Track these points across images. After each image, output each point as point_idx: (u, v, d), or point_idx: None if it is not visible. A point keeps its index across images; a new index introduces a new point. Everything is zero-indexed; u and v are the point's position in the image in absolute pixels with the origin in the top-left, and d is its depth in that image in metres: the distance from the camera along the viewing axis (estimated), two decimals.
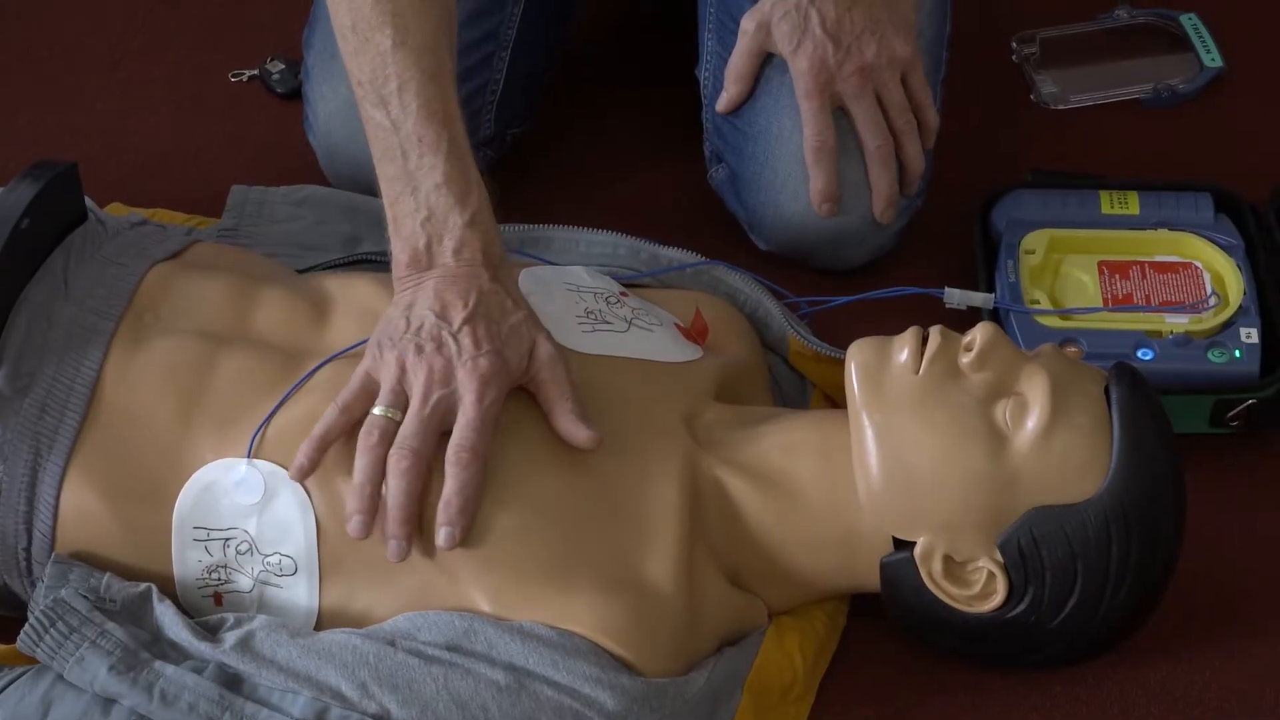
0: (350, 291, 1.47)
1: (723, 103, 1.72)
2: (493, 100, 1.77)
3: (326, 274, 1.55)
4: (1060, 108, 1.95)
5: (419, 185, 1.39)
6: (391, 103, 1.40)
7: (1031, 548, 1.34)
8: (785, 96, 1.69)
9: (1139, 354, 1.59)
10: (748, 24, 1.68)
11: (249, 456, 1.36)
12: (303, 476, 1.34)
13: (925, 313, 1.55)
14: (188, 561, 1.37)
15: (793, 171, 1.69)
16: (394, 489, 1.32)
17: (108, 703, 1.31)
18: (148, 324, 1.43)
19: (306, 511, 1.35)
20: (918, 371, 1.36)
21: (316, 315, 1.45)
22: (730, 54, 1.72)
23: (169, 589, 1.37)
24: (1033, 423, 1.34)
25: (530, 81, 1.82)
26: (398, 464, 1.32)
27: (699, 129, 1.79)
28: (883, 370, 1.37)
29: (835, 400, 1.57)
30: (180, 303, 1.45)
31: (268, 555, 1.36)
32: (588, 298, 1.49)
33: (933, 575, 1.36)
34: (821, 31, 1.65)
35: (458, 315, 1.36)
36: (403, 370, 1.35)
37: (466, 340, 1.35)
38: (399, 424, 1.34)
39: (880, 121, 1.67)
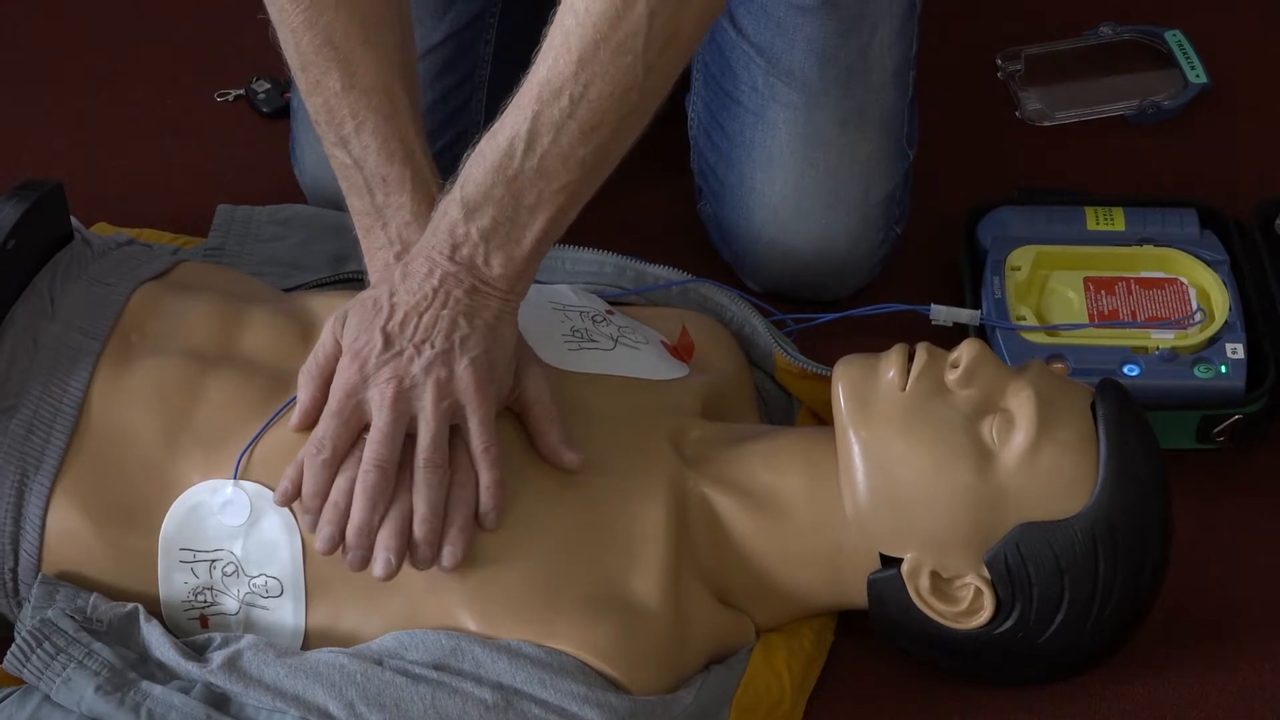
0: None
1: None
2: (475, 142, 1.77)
3: (313, 294, 1.54)
4: (1045, 124, 1.95)
5: (388, 221, 1.40)
6: (351, 143, 1.40)
7: (1018, 564, 1.34)
8: (756, 151, 1.70)
9: (1125, 370, 1.59)
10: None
11: (235, 478, 1.36)
12: (287, 501, 1.34)
13: (911, 329, 1.56)
14: (174, 583, 1.37)
15: (767, 222, 1.71)
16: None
17: None
18: (134, 344, 1.43)
19: (293, 533, 1.35)
20: (904, 389, 1.36)
21: (303, 337, 1.45)
22: (714, 86, 1.74)
23: (155, 610, 1.37)
24: (1019, 439, 1.34)
25: None
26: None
27: (688, 149, 1.80)
28: (869, 387, 1.37)
29: (822, 417, 1.57)
30: (167, 323, 1.44)
31: (254, 577, 1.36)
32: (573, 316, 1.49)
33: (920, 592, 1.36)
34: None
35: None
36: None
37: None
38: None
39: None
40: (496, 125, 1.35)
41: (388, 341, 1.33)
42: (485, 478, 1.33)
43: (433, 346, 1.33)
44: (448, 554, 1.32)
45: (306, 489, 1.32)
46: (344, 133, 1.40)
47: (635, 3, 1.30)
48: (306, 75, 1.41)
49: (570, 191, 1.34)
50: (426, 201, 1.40)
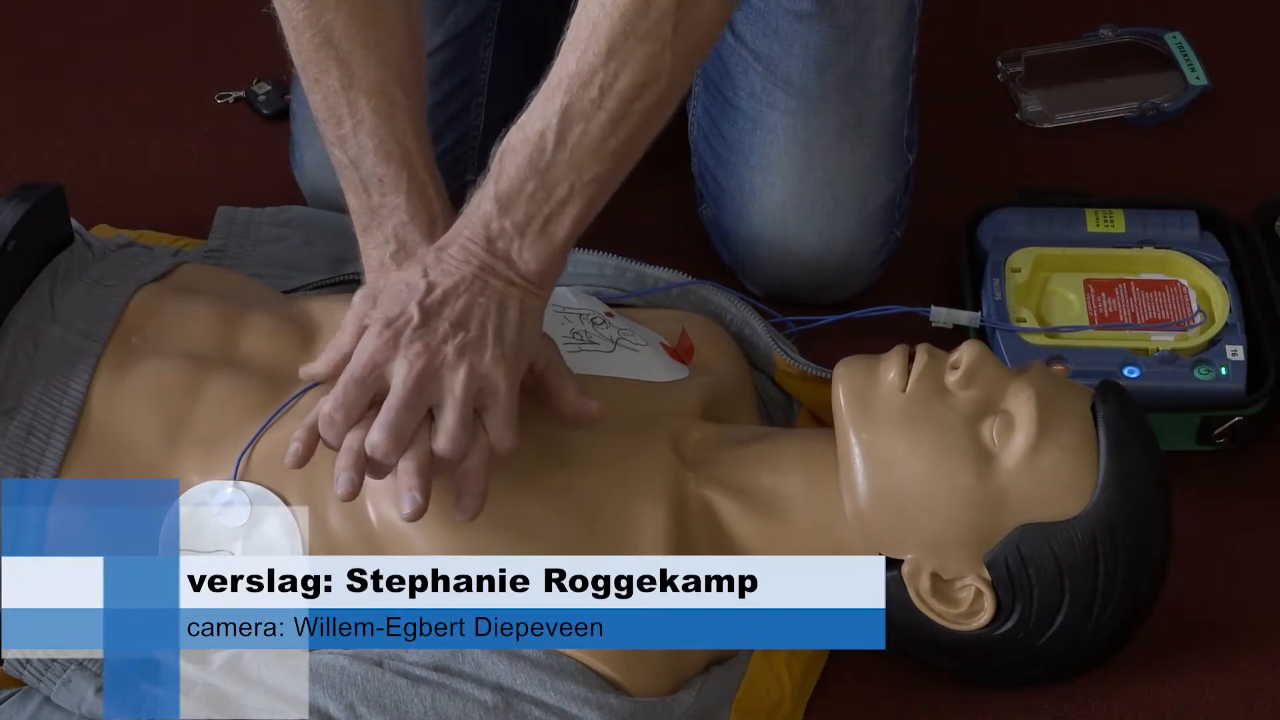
0: (335, 317, 1.46)
1: None
2: (474, 145, 1.78)
3: (313, 296, 1.55)
4: (1046, 126, 1.95)
5: (384, 221, 1.40)
6: (349, 142, 1.40)
7: (1019, 565, 1.34)
8: (755, 156, 1.71)
9: (1125, 372, 1.59)
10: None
11: (235, 479, 1.36)
12: (299, 463, 1.31)
13: (911, 331, 1.56)
14: None
15: (766, 227, 1.71)
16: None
17: None
18: (134, 346, 1.43)
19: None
20: (905, 390, 1.36)
21: (302, 340, 1.45)
22: (714, 91, 1.74)
23: None
24: (1019, 440, 1.34)
25: (509, 119, 1.82)
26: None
27: (689, 152, 1.80)
28: (870, 389, 1.37)
29: (822, 419, 1.57)
30: (167, 325, 1.44)
31: None
32: (573, 319, 1.49)
33: (920, 593, 1.36)
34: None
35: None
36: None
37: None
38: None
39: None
40: (525, 118, 1.35)
41: (425, 317, 1.31)
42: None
43: (468, 331, 1.32)
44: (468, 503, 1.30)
45: (324, 432, 1.29)
46: (342, 131, 1.40)
47: None
48: (306, 72, 1.42)
49: (600, 183, 1.34)
50: (423, 203, 1.40)
